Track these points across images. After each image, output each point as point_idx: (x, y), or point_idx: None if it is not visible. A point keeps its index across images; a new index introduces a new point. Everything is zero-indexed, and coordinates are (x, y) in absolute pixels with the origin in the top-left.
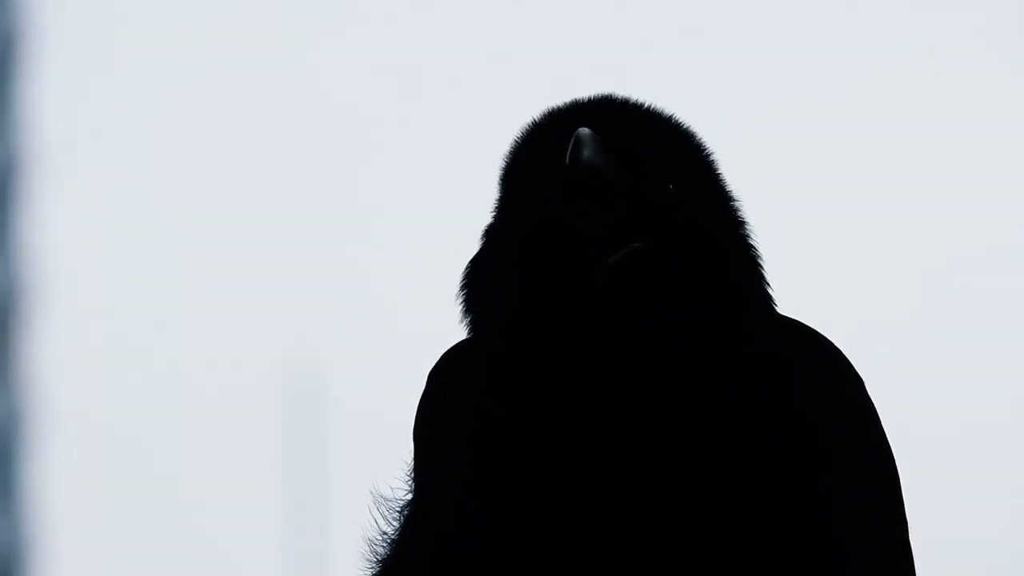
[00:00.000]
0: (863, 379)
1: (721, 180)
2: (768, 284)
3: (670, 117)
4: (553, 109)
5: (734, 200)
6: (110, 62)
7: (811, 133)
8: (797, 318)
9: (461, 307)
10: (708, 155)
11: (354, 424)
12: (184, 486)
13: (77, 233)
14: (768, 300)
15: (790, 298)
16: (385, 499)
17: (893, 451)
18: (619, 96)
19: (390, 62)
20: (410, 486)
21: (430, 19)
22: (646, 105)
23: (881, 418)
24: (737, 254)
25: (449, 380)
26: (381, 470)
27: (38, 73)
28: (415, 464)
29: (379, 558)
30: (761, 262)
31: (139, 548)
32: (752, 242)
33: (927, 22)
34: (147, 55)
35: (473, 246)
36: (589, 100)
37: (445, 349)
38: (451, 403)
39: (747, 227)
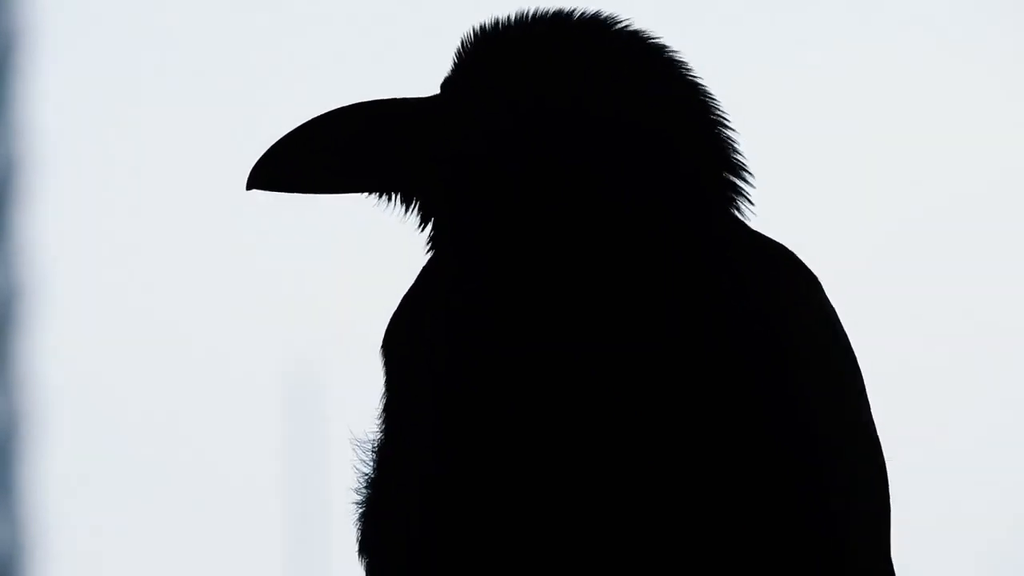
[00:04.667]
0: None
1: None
2: (735, 177)
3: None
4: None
5: (678, 81)
6: (111, 62)
7: (811, 132)
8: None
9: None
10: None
11: (355, 421)
12: (185, 486)
13: (77, 233)
14: (732, 199)
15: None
16: (361, 442)
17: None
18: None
19: (393, 78)
20: (382, 422)
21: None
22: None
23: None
24: (679, 143)
25: (410, 313)
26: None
27: (38, 73)
28: (384, 396)
29: (362, 500)
30: (726, 149)
31: (139, 548)
32: (713, 128)
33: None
34: (148, 55)
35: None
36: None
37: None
38: (414, 335)
39: (707, 111)
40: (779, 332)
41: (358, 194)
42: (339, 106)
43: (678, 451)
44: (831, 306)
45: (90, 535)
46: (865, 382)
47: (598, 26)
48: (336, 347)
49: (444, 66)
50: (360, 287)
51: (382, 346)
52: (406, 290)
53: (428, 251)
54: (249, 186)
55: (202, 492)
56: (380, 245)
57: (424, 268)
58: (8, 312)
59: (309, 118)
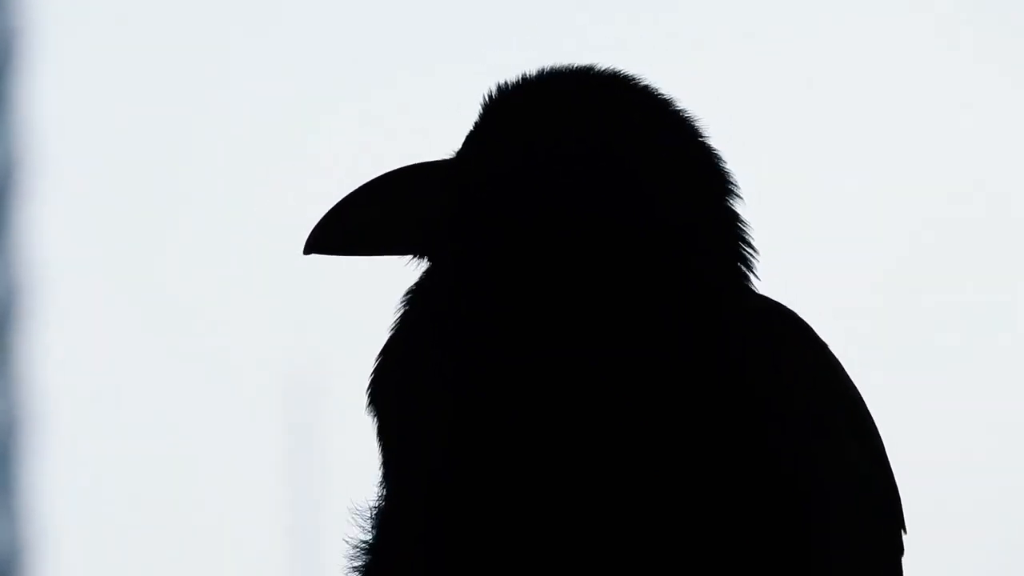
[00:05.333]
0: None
1: (647, 125)
2: (741, 250)
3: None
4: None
5: (682, 145)
6: (111, 62)
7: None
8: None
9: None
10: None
11: (355, 429)
12: (185, 486)
13: (77, 232)
14: (739, 265)
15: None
16: (359, 511)
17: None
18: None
19: (390, 77)
20: (380, 489)
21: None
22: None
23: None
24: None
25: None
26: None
27: (38, 73)
28: (380, 460)
29: (360, 566)
30: (735, 217)
31: (139, 548)
32: (722, 201)
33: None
34: (149, 55)
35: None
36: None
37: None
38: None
39: (717, 181)
40: (774, 398)
41: (401, 256)
42: (384, 172)
43: (669, 534)
44: (840, 371)
45: (90, 535)
46: (883, 439)
47: (614, 85)
48: (336, 351)
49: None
50: (360, 289)
51: (371, 403)
52: (386, 341)
53: (417, 303)
54: (306, 252)
55: (202, 492)
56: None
57: (405, 319)
58: (8, 312)
59: (357, 186)
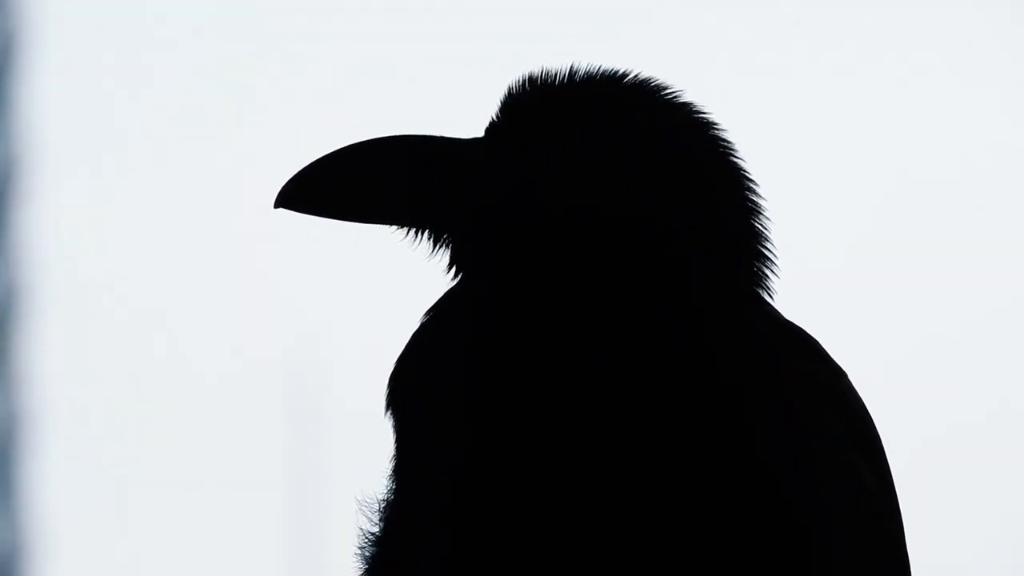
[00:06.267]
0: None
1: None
2: (758, 265)
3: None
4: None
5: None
6: (111, 62)
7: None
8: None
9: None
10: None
11: (357, 420)
12: (186, 485)
13: (77, 232)
14: (759, 283)
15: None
16: (368, 502)
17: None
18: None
19: (387, 58)
20: (391, 479)
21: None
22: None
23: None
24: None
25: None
26: (382, 469)
27: (38, 73)
28: (394, 452)
29: (367, 558)
30: (758, 237)
31: (140, 548)
32: (749, 214)
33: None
34: (150, 54)
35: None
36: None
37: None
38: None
39: (740, 190)
40: (788, 422)
41: (387, 226)
42: (380, 136)
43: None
44: (856, 399)
45: (90, 535)
46: (890, 467)
47: (650, 94)
48: (338, 338)
49: (463, 103)
50: (359, 277)
51: (391, 398)
52: (412, 337)
53: (449, 296)
54: (277, 205)
55: (204, 491)
56: (380, 235)
57: (436, 314)
58: (8, 312)
59: (347, 144)
